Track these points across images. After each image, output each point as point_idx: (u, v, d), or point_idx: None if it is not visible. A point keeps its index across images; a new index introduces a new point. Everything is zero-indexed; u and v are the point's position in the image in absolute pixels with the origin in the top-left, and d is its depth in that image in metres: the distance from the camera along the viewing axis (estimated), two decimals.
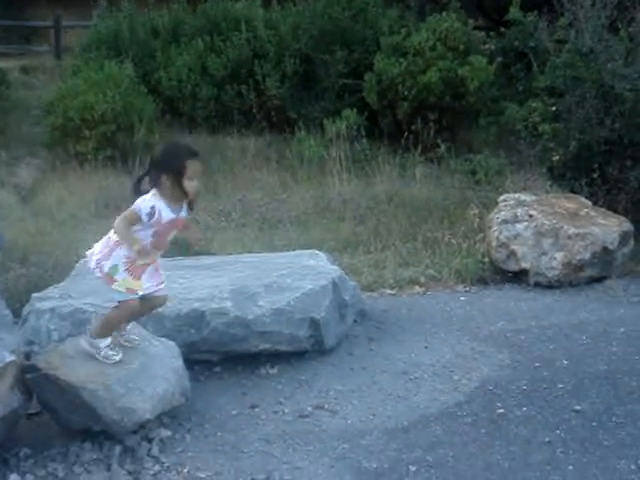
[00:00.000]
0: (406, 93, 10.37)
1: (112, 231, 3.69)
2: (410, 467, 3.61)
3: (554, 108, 7.09)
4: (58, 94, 11.01)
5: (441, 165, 9.49)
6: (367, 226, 7.31)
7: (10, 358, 3.43)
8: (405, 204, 7.98)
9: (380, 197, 8.31)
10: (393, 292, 5.88)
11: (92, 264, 3.68)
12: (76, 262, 5.21)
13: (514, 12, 7.64)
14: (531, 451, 3.75)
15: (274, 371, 4.54)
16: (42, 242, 6.90)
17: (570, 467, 3.62)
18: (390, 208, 7.86)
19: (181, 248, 5.65)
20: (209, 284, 4.65)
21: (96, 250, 3.70)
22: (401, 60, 10.52)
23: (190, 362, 4.24)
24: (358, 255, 6.57)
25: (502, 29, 9.04)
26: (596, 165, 6.91)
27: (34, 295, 4.62)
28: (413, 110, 10.42)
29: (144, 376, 3.70)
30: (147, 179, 3.70)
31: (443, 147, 9.28)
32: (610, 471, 3.59)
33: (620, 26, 6.94)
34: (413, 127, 10.21)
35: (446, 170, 9.29)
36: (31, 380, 3.61)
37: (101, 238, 3.81)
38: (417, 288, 5.96)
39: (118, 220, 3.63)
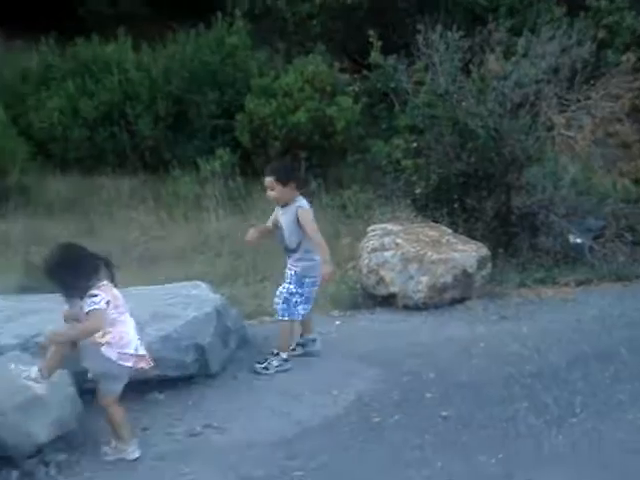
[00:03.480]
0: (277, 133, 10.77)
1: None
2: (295, 472, 3.93)
3: (415, 144, 7.64)
4: None
5: (313, 201, 9.88)
6: (245, 260, 7.61)
7: None
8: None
9: None
10: (273, 319, 6.18)
11: None
12: None
13: (375, 56, 8.18)
14: (404, 453, 4.13)
15: (162, 397, 4.77)
16: None
17: (439, 463, 4.02)
18: (267, 242, 8.17)
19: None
20: None
21: None
22: (271, 101, 10.94)
23: (82, 391, 4.40)
24: (238, 287, 6.87)
25: (365, 72, 9.59)
26: (455, 196, 7.49)
27: None
28: (284, 149, 10.83)
29: (39, 403, 3.87)
30: None
31: (314, 184, 9.72)
32: (473, 465, 4.01)
33: (472, 68, 7.56)
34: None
35: (318, 205, 9.69)
36: None
37: None
38: None
39: None
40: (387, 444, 4.23)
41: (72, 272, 3.90)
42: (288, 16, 12.24)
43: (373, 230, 6.86)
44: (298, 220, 5.24)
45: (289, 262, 5.38)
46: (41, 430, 3.80)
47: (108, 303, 3.95)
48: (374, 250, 6.54)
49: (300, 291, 5.31)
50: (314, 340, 5.56)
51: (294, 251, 5.33)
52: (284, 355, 5.28)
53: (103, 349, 3.94)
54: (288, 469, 3.96)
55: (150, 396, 4.75)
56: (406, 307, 6.38)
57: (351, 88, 10.14)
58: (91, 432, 4.26)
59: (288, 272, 5.37)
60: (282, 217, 5.36)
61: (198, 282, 5.71)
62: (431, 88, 7.43)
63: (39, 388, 3.91)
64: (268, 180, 5.30)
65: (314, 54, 11.45)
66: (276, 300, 5.38)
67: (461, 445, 4.23)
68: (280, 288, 5.38)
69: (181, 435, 4.33)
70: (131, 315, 4.16)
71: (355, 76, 10.45)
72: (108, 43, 12.74)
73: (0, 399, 3.80)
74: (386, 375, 5.11)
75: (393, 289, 6.39)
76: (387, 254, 6.47)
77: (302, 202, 5.31)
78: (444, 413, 4.56)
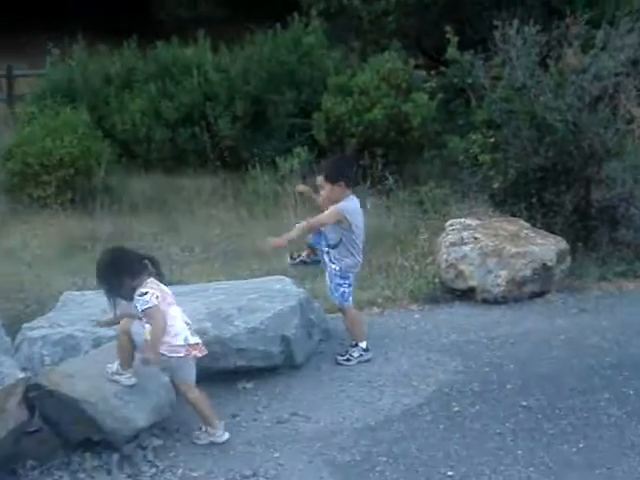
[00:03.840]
0: (353, 130, 10.91)
1: None
2: (379, 458, 4.07)
3: (492, 140, 7.68)
4: (16, 141, 11.34)
5: (390, 197, 10.01)
6: None
7: (20, 375, 3.80)
8: None
9: None
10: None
11: None
12: (60, 295, 5.58)
13: (452, 52, 8.24)
14: (485, 441, 4.24)
15: (250, 385, 4.97)
16: (15, 281, 7.21)
17: (519, 452, 4.11)
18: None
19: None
20: (186, 308, 5.04)
21: None
22: (347, 99, 11.09)
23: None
24: (318, 282, 7.00)
25: (442, 68, 9.64)
26: (533, 191, 7.50)
27: (24, 325, 4.98)
28: (360, 146, 10.95)
29: (137, 390, 4.10)
30: None
31: (391, 180, 9.83)
32: (554, 453, 4.09)
33: (549, 62, 7.56)
34: (361, 162, 10.75)
35: (395, 201, 9.82)
36: (35, 397, 3.98)
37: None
38: (375, 309, 6.44)
39: None
40: (468, 432, 4.33)
41: (117, 274, 4.10)
42: (363, 14, 12.35)
43: (451, 225, 6.94)
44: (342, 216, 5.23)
45: (331, 257, 5.41)
46: (140, 415, 4.03)
47: (158, 298, 4.11)
48: (453, 244, 6.62)
49: (348, 282, 5.42)
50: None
51: (334, 247, 5.37)
52: (363, 345, 5.40)
53: None
54: (372, 455, 4.11)
55: (238, 385, 4.95)
56: (485, 301, 6.45)
57: (428, 84, 10.17)
58: (184, 419, 4.47)
59: (331, 268, 5.40)
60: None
61: (282, 277, 5.89)
62: (509, 83, 7.46)
63: (126, 380, 4.13)
64: (318, 180, 5.36)
65: (390, 51, 11.54)
66: (330, 294, 5.47)
67: (542, 434, 4.31)
68: (329, 284, 5.44)
69: (269, 422, 4.51)
70: (180, 306, 4.34)
71: (431, 72, 10.50)
72: (187, 46, 13.11)
73: (101, 386, 4.02)
74: (466, 366, 5.21)
75: (472, 283, 6.46)
76: (466, 248, 6.55)
77: (344, 203, 5.23)
78: (524, 403, 4.64)
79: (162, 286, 4.23)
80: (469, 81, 8.03)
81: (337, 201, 5.22)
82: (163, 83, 12.35)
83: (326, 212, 5.24)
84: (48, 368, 4.34)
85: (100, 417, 3.92)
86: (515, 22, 7.78)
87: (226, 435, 4.27)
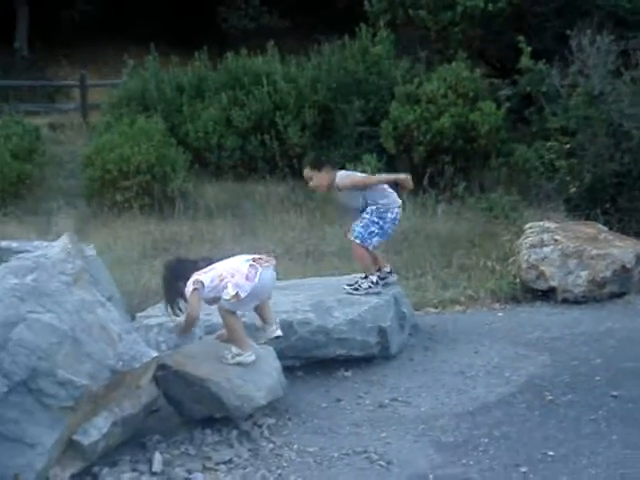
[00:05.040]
0: (421, 138, 11.17)
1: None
2: (481, 439, 4.31)
3: (568, 146, 7.89)
4: (95, 148, 11.80)
5: (459, 203, 10.24)
6: (402, 256, 8.03)
7: (155, 354, 4.12)
8: (432, 237, 8.74)
9: (407, 232, 9.03)
10: (437, 311, 6.61)
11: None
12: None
13: (525, 61, 8.48)
14: (580, 427, 4.45)
15: (349, 373, 5.25)
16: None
17: (614, 437, 4.31)
18: (419, 240, 8.61)
19: None
20: (290, 300, 5.37)
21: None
22: (415, 107, 11.36)
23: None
24: (400, 280, 7.26)
25: (506, 76, 9.86)
26: (608, 196, 7.69)
27: (139, 314, 5.33)
28: (428, 154, 11.22)
29: (255, 371, 4.41)
30: None
31: (461, 187, 10.07)
32: None
33: (624, 71, 7.76)
34: (428, 170, 10.99)
35: (464, 207, 10.06)
36: (161, 377, 4.29)
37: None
38: (458, 307, 6.70)
39: None
40: (563, 419, 4.54)
41: (173, 282, 4.55)
42: (430, 25, 12.61)
43: (531, 227, 7.16)
44: (339, 187, 5.63)
45: (367, 210, 5.67)
46: (260, 394, 4.32)
47: (199, 282, 4.40)
48: (533, 246, 6.85)
49: (381, 223, 5.65)
50: (391, 272, 5.90)
51: (367, 205, 5.67)
52: (373, 278, 5.63)
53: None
54: (474, 437, 4.35)
55: (338, 373, 5.24)
56: (565, 301, 6.66)
57: (502, 93, 10.39)
58: (292, 403, 4.76)
59: (370, 208, 5.65)
60: (340, 199, 5.81)
61: None
62: (585, 90, 7.67)
63: (248, 358, 4.44)
64: (305, 172, 5.73)
65: (457, 61, 11.78)
66: (355, 224, 5.69)
67: (634, 420, 4.50)
68: (357, 225, 5.68)
69: (371, 406, 4.78)
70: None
71: (504, 81, 10.71)
72: (253, 56, 13.47)
73: (223, 367, 4.33)
74: (554, 360, 5.42)
75: (553, 283, 6.67)
76: (546, 250, 6.76)
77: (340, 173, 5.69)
78: (615, 393, 4.83)
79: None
80: (543, 89, 8.24)
81: (331, 183, 5.65)
82: (234, 92, 12.76)
83: (344, 176, 5.67)
84: (169, 351, 4.65)
85: (224, 395, 4.22)
86: (588, 32, 7.99)
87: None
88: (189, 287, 4.42)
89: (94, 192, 11.42)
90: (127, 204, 10.95)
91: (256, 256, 4.53)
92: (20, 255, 4.12)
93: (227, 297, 4.35)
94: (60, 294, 3.79)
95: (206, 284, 4.40)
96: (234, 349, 4.47)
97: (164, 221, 10.52)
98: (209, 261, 4.62)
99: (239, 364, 4.41)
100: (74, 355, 3.68)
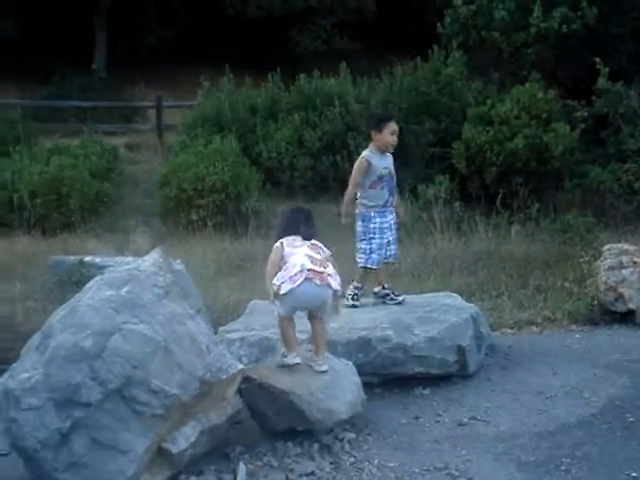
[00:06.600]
0: (494, 159, 11.16)
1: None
2: (563, 459, 4.30)
3: None
4: (171, 168, 12.09)
5: (532, 225, 10.18)
6: (477, 277, 8.05)
7: (240, 366, 4.22)
8: (506, 258, 8.72)
9: (480, 253, 9.05)
10: (513, 331, 6.60)
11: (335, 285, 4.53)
12: (247, 304, 6.07)
13: (602, 82, 8.43)
14: None
15: (426, 391, 5.28)
16: None
17: None
18: (493, 261, 8.60)
19: None
20: (368, 317, 5.44)
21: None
22: (488, 129, 11.36)
23: None
24: (475, 301, 7.27)
25: (590, 98, 9.79)
26: None
27: (221, 329, 5.45)
28: (500, 175, 11.19)
29: (336, 386, 4.49)
30: None
31: (535, 208, 10.02)
32: None
33: None
34: (500, 190, 10.96)
35: (537, 229, 10.00)
36: (245, 389, 4.39)
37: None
38: (534, 328, 6.68)
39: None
40: None
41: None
42: (503, 46, 12.60)
43: (609, 249, 7.09)
44: None
45: (391, 209, 5.87)
46: (342, 409, 4.40)
47: (282, 244, 4.65)
48: (611, 268, 6.79)
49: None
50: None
51: (393, 196, 5.85)
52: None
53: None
54: (555, 457, 4.34)
55: (415, 391, 5.27)
56: None
57: (577, 114, 10.33)
58: (371, 419, 4.81)
59: (392, 221, 5.87)
60: (388, 165, 5.84)
61: (450, 293, 6.20)
62: None
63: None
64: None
65: (530, 82, 11.74)
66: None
67: None
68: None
69: (450, 424, 4.80)
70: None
71: (578, 102, 10.64)
72: (325, 78, 13.64)
73: (305, 380, 4.41)
74: (634, 382, 5.36)
75: (631, 306, 6.60)
76: (625, 272, 6.70)
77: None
78: None
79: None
80: (621, 110, 8.18)
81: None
82: (306, 113, 12.91)
83: None
84: (251, 365, 4.75)
85: (307, 408, 4.30)
86: None
87: (297, 359, 4.52)
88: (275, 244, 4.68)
89: (169, 210, 11.68)
90: (202, 222, 11.17)
91: (313, 267, 4.54)
92: (112, 268, 4.27)
93: (274, 283, 4.49)
94: (153, 306, 3.93)
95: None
96: (283, 350, 4.57)
97: (238, 239, 10.69)
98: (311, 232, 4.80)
99: (282, 365, 4.53)
100: (166, 365, 3.81)
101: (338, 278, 4.63)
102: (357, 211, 5.86)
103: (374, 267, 5.84)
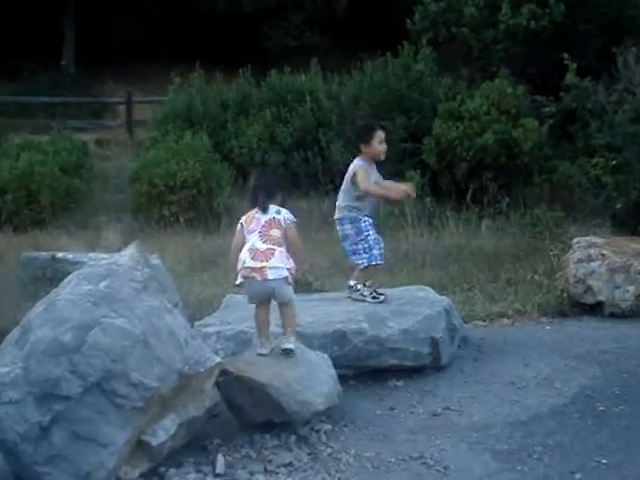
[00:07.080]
0: (464, 154, 11.26)
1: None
2: (535, 448, 4.39)
3: (614, 162, 7.95)
4: (142, 163, 12.05)
5: (502, 219, 10.30)
6: (448, 271, 8.14)
7: (218, 359, 4.26)
8: (477, 252, 8.83)
9: (452, 247, 9.15)
10: (485, 324, 6.70)
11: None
12: (221, 298, 6.10)
13: (571, 78, 8.55)
14: (633, 436, 4.52)
15: (400, 383, 5.35)
16: None
17: None
18: (464, 255, 8.71)
19: (304, 286, 6.58)
20: (344, 310, 5.50)
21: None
22: (458, 124, 11.46)
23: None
24: (447, 294, 7.34)
25: (558, 93, 9.92)
26: None
27: (197, 323, 5.48)
28: (470, 170, 11.30)
29: (312, 378, 4.54)
30: None
31: (505, 203, 10.15)
32: None
33: None
34: (471, 186, 11.08)
35: (507, 223, 10.12)
36: (222, 382, 4.43)
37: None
38: (505, 320, 6.79)
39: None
40: (615, 428, 4.62)
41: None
42: (473, 42, 12.71)
43: (578, 242, 7.22)
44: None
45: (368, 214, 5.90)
46: (318, 400, 4.45)
47: (242, 225, 4.75)
48: (580, 261, 6.91)
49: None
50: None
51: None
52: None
53: None
54: (528, 445, 4.43)
55: (390, 383, 5.34)
56: (613, 315, 6.72)
57: (546, 110, 10.46)
58: (347, 410, 4.87)
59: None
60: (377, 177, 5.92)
61: (423, 286, 6.28)
62: (631, 107, 7.74)
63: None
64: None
65: (500, 78, 11.86)
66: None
67: None
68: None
69: (425, 415, 4.88)
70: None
71: (547, 98, 10.78)
72: (296, 74, 13.67)
73: (282, 373, 4.46)
74: (604, 372, 5.48)
75: (600, 298, 6.74)
76: (594, 264, 6.83)
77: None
78: None
79: (254, 213, 4.79)
80: (589, 106, 8.31)
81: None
82: (277, 109, 12.93)
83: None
84: (228, 358, 4.79)
85: (284, 400, 4.35)
86: (633, 49, 8.07)
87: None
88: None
89: (141, 206, 11.66)
90: (173, 218, 11.18)
91: (252, 264, 4.55)
92: (91, 263, 4.29)
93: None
94: (131, 300, 3.96)
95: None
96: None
97: (210, 235, 10.69)
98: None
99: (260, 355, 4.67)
100: (145, 358, 3.84)
101: (289, 259, 4.62)
102: (341, 215, 5.84)
103: (379, 262, 5.83)
